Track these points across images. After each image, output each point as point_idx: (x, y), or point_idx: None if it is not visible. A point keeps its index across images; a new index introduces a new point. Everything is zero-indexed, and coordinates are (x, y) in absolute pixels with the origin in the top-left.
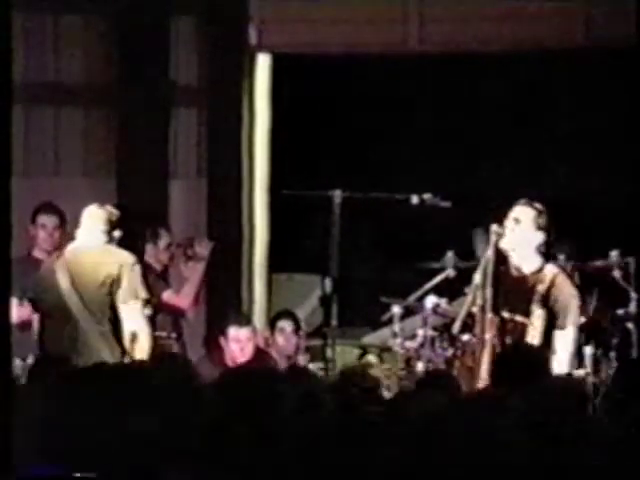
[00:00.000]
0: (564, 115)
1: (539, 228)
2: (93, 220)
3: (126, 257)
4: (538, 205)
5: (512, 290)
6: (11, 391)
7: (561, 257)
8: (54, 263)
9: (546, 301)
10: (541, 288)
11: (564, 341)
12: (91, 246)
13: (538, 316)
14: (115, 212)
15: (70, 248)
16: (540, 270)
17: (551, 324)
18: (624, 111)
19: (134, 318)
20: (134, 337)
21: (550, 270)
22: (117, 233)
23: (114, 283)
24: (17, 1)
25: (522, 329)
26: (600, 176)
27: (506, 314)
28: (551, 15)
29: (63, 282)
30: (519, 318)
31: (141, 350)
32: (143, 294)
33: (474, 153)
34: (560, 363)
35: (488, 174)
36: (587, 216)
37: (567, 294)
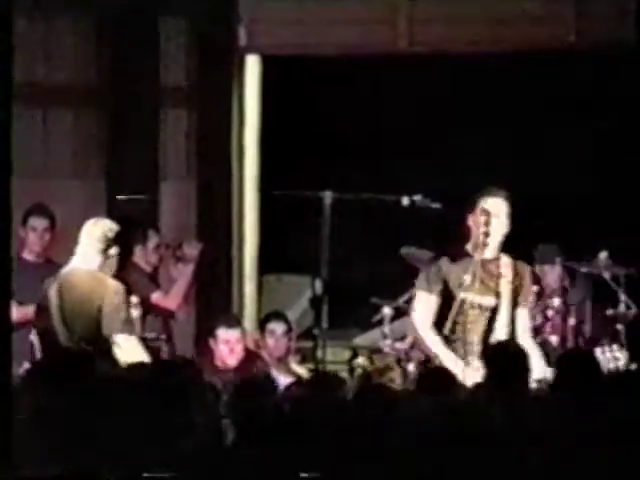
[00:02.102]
0: (550, 118)
1: (507, 218)
2: (89, 239)
3: (112, 287)
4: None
5: (483, 277)
6: (11, 392)
7: (558, 259)
8: (51, 287)
9: (511, 285)
10: (505, 272)
11: (523, 322)
12: (82, 270)
13: (506, 294)
14: (113, 227)
15: (64, 271)
16: (499, 258)
17: (513, 306)
18: (603, 115)
19: (127, 350)
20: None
21: (507, 258)
22: (113, 251)
23: (98, 314)
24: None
25: (492, 312)
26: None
27: (477, 298)
28: (541, 17)
29: (53, 307)
30: (486, 302)
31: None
32: (125, 327)
33: (462, 153)
34: (524, 342)
35: (476, 174)
36: (574, 217)
37: (527, 278)
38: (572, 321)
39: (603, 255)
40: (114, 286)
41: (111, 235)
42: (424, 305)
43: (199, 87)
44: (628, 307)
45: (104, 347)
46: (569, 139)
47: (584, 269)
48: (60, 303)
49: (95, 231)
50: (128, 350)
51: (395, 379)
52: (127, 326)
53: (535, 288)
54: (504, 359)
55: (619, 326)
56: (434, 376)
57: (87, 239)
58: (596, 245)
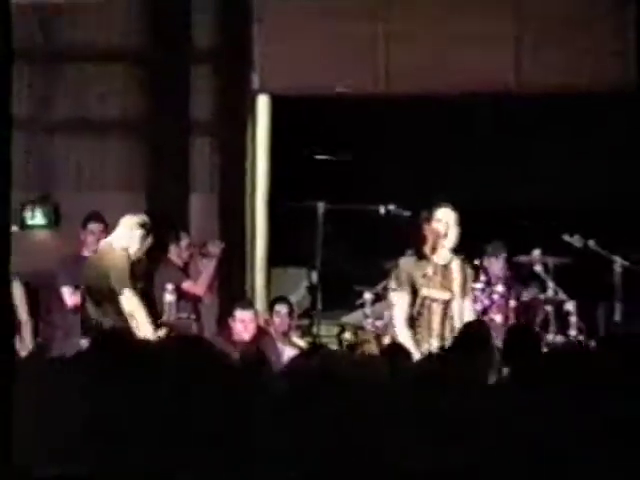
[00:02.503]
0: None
1: (456, 225)
2: (124, 226)
3: (118, 251)
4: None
5: (439, 277)
6: (11, 391)
7: (503, 253)
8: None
9: (460, 279)
10: (456, 274)
11: (469, 308)
12: (102, 245)
13: (458, 285)
14: (145, 218)
15: (100, 244)
16: (452, 261)
17: (462, 298)
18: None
19: (127, 303)
20: (131, 316)
21: (457, 260)
22: (148, 241)
23: (107, 272)
24: (61, 53)
25: (446, 304)
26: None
27: (435, 294)
28: (514, 60)
29: (83, 285)
30: (443, 297)
31: (141, 324)
32: (126, 284)
33: (429, 174)
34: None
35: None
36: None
37: (471, 277)
38: (512, 303)
39: (536, 252)
40: (119, 251)
41: (142, 223)
42: (401, 303)
43: (221, 121)
44: (555, 292)
45: (113, 302)
46: (512, 162)
47: (522, 261)
48: (86, 280)
49: (130, 220)
50: (131, 302)
51: (373, 349)
52: (130, 282)
53: (483, 277)
54: (467, 339)
55: (548, 307)
56: (397, 347)
57: (122, 227)
58: (532, 244)
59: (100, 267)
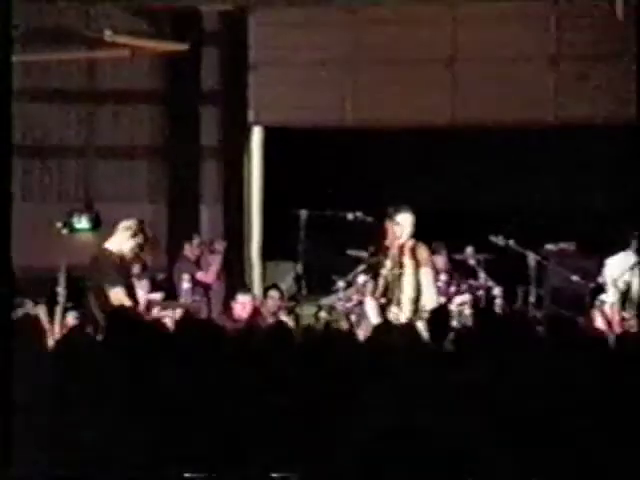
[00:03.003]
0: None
1: (411, 226)
2: (119, 230)
3: (108, 251)
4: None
5: (396, 258)
6: (11, 393)
7: (444, 250)
8: None
9: (414, 256)
10: (408, 248)
11: (427, 279)
12: (104, 247)
13: (409, 265)
14: (135, 222)
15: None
16: (405, 245)
17: (415, 270)
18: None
19: (114, 297)
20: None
21: (410, 241)
22: (139, 238)
23: (100, 271)
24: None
25: (401, 275)
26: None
27: (395, 271)
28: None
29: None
30: (398, 272)
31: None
32: (113, 280)
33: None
34: (429, 298)
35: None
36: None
37: (424, 251)
38: (452, 289)
39: (469, 249)
40: (109, 251)
41: (128, 226)
42: (370, 285)
43: (224, 147)
44: (485, 280)
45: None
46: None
47: (458, 257)
48: (88, 279)
49: (122, 224)
50: (117, 296)
51: (342, 324)
52: (114, 279)
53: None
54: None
55: (480, 292)
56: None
57: (117, 231)
58: (465, 242)
59: (95, 268)
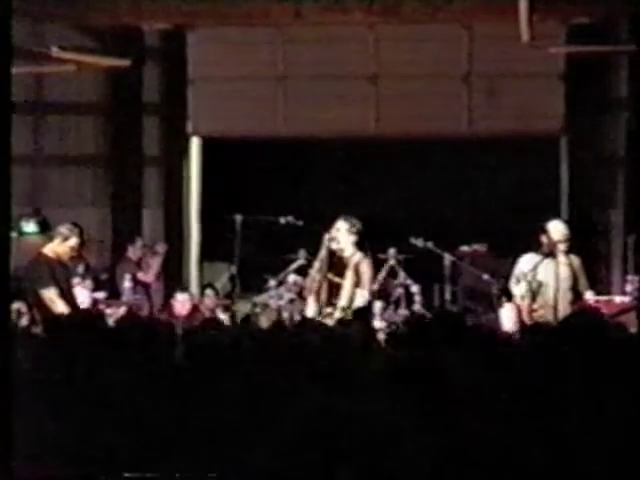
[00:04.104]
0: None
1: (351, 233)
2: (57, 235)
3: (40, 257)
4: (351, 220)
5: (337, 265)
6: (12, 393)
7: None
8: None
9: (355, 271)
10: (352, 264)
11: (362, 295)
12: (43, 250)
13: (349, 277)
14: (70, 226)
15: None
16: (352, 255)
17: (356, 284)
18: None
19: (46, 298)
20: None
21: (357, 255)
22: (73, 240)
23: (34, 275)
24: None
25: (339, 286)
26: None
27: (333, 277)
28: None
29: None
30: (338, 279)
31: (56, 308)
32: (44, 283)
33: (327, 196)
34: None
35: (329, 205)
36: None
37: (366, 268)
38: (375, 286)
39: (392, 250)
40: (44, 255)
41: (66, 231)
42: (313, 284)
43: (166, 156)
44: (405, 279)
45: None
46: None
47: (381, 257)
48: (26, 282)
49: (58, 229)
50: (48, 296)
51: (274, 320)
52: (46, 281)
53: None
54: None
55: (400, 290)
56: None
57: (56, 236)
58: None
59: (31, 271)
